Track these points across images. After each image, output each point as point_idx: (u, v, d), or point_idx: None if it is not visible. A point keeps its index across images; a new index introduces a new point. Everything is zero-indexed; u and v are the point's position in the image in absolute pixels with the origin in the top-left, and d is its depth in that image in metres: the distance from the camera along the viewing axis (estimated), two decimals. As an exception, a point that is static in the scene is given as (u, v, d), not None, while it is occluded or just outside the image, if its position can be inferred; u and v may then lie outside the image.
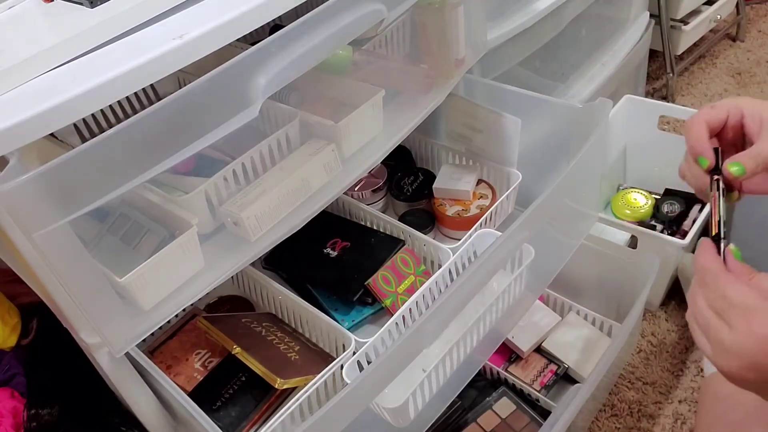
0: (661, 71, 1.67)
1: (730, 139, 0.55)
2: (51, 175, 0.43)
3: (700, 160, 0.52)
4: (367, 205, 0.91)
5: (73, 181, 0.45)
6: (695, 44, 1.70)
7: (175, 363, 0.74)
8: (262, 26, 0.52)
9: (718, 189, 0.52)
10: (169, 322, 0.77)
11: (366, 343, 0.70)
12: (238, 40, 0.51)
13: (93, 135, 0.78)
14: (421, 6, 0.76)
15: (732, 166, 0.51)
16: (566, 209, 0.83)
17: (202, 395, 0.70)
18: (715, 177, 0.53)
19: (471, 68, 0.88)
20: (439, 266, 0.80)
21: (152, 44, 0.47)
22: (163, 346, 0.76)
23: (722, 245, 0.49)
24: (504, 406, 0.96)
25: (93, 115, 0.78)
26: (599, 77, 1.33)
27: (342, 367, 0.67)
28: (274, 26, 0.84)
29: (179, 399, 0.60)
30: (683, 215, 1.19)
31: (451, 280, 0.78)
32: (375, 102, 0.70)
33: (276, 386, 0.64)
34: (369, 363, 0.67)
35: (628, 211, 1.20)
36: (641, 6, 1.47)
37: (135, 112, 0.81)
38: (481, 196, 0.91)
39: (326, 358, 0.73)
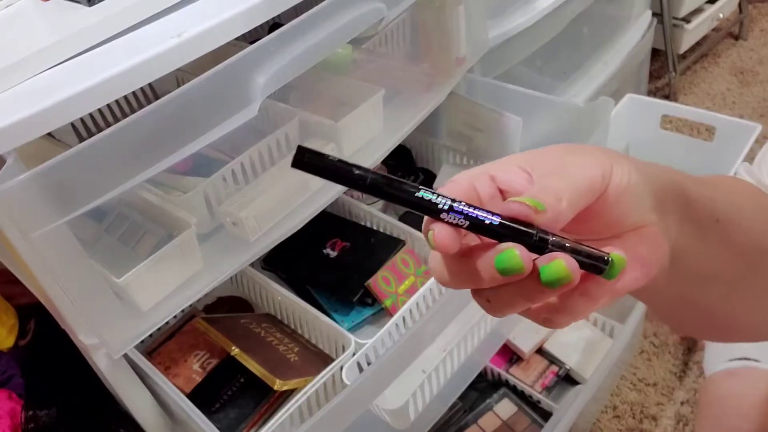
0: (663, 70, 1.66)
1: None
2: (48, 175, 0.43)
3: (429, 239, 0.27)
4: (367, 205, 0.90)
5: (71, 180, 0.44)
6: (698, 43, 1.69)
7: (173, 364, 0.73)
8: (261, 25, 0.51)
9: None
10: (167, 323, 0.77)
11: (366, 344, 0.69)
12: (236, 38, 0.50)
13: (91, 134, 0.78)
14: (422, 4, 0.76)
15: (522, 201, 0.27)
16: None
17: (200, 397, 0.69)
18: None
19: (472, 67, 0.88)
20: (440, 266, 0.80)
21: (150, 43, 0.47)
22: (162, 347, 0.76)
23: None
24: (505, 407, 0.95)
25: (91, 114, 0.78)
26: (601, 76, 1.33)
27: (342, 368, 0.67)
28: (273, 24, 0.84)
29: (178, 400, 0.60)
30: (685, 215, 1.19)
31: (452, 280, 0.78)
32: (375, 101, 0.70)
33: (275, 387, 0.64)
34: (369, 364, 0.67)
35: (629, 211, 1.20)
36: (643, 4, 1.47)
37: (133, 111, 0.80)
38: (482, 196, 0.90)
39: (326, 360, 0.73)
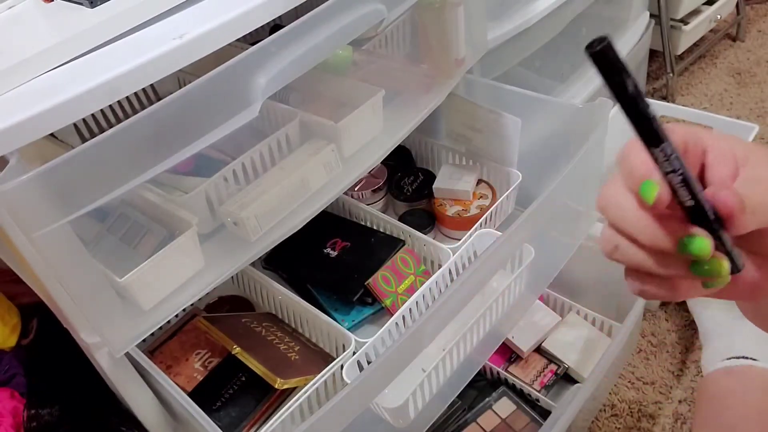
0: (661, 71, 1.67)
1: None
2: (51, 175, 0.43)
3: (644, 188, 0.29)
4: (367, 205, 0.91)
5: (73, 181, 0.45)
6: (695, 44, 1.70)
7: (175, 363, 0.74)
8: (262, 26, 0.52)
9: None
10: (169, 322, 0.77)
11: (366, 343, 0.70)
12: (238, 40, 0.51)
13: (93, 135, 0.78)
14: (422, 6, 0.76)
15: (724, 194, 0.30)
16: (566, 209, 0.83)
17: (202, 395, 0.70)
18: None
19: (471, 68, 0.88)
20: (439, 266, 0.80)
21: (152, 44, 0.47)
22: (163, 346, 0.76)
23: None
24: (504, 406, 0.96)
25: (93, 115, 0.78)
26: (599, 77, 1.33)
27: (342, 367, 0.67)
28: (274, 26, 0.84)
29: (179, 399, 0.60)
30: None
31: (451, 280, 0.78)
32: (375, 102, 0.70)
33: (276, 386, 0.64)
34: (369, 363, 0.67)
35: (628, 211, 1.20)
36: (641, 6, 1.47)
37: (135, 112, 0.81)
38: (481, 196, 0.90)
39: (326, 358, 0.73)
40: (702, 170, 0.32)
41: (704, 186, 0.31)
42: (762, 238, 0.31)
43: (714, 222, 0.30)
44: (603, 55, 0.25)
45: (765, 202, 0.29)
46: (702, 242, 0.29)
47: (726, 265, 0.30)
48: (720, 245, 0.30)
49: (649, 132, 0.28)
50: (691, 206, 0.29)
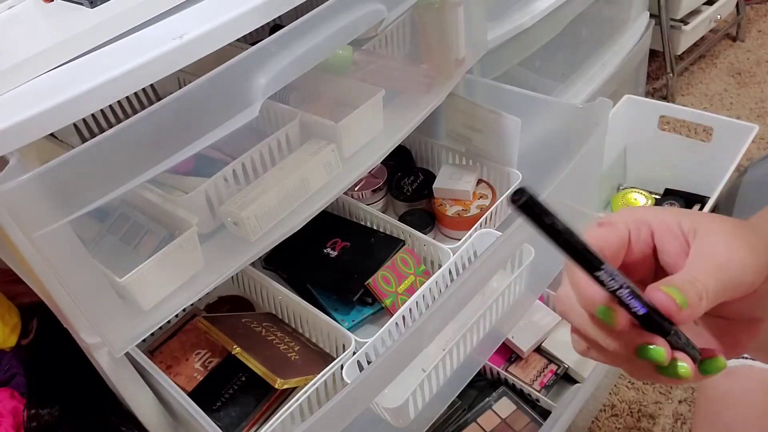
0: (661, 71, 1.67)
1: (636, 271, 0.33)
2: (51, 175, 0.43)
3: (600, 312, 0.29)
4: (367, 205, 0.91)
5: (73, 181, 0.45)
6: (695, 44, 1.70)
7: (175, 363, 0.74)
8: (262, 26, 0.52)
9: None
10: (169, 322, 0.77)
11: (366, 343, 0.70)
12: (238, 40, 0.51)
13: (93, 135, 0.78)
14: (421, 6, 0.76)
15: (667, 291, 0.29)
16: (566, 209, 0.83)
17: (202, 395, 0.70)
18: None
19: (471, 68, 0.88)
20: (439, 266, 0.80)
21: (152, 44, 0.47)
22: (163, 346, 0.76)
23: None
24: (504, 406, 0.96)
25: (93, 115, 0.78)
26: (599, 77, 1.33)
27: (342, 367, 0.67)
28: (274, 26, 0.84)
29: (179, 399, 0.60)
30: (683, 215, 1.19)
31: (451, 280, 0.78)
32: (375, 102, 0.70)
33: (276, 386, 0.64)
34: (369, 363, 0.67)
35: (628, 211, 1.20)
36: (641, 6, 1.48)
37: (135, 112, 0.81)
38: (481, 196, 0.90)
39: (326, 358, 0.73)
40: (655, 251, 0.32)
41: (660, 268, 0.32)
42: (725, 308, 0.31)
43: (665, 323, 0.30)
44: (528, 207, 0.27)
45: (710, 285, 0.29)
46: (656, 351, 0.30)
47: (683, 366, 0.30)
48: (677, 341, 0.31)
49: (588, 259, 0.29)
50: (642, 315, 0.30)
